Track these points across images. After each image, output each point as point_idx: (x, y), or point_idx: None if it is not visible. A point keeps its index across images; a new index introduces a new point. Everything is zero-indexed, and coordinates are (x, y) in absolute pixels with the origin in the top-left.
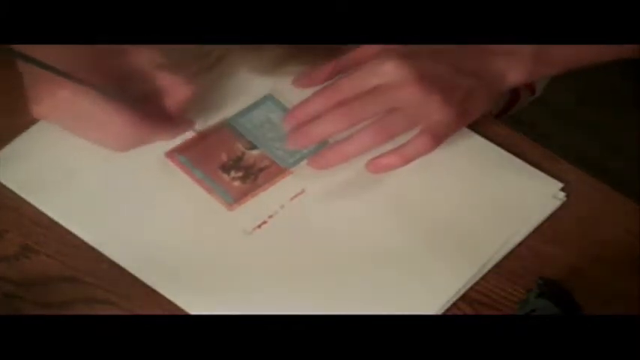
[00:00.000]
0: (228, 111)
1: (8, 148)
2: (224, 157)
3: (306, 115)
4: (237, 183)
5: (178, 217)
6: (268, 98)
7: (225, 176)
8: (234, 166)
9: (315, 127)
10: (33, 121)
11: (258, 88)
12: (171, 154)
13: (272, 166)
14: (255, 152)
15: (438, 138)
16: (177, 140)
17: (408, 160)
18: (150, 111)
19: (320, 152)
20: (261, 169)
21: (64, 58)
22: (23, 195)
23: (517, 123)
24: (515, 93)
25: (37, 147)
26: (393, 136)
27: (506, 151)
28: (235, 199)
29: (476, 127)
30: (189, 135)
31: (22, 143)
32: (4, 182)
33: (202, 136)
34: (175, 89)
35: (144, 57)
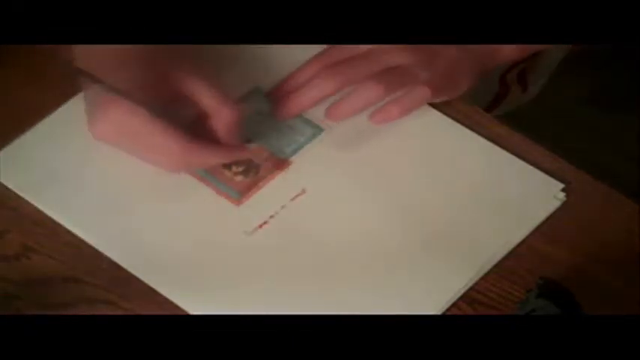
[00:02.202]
0: None
1: (9, 149)
2: None
3: (297, 84)
4: (239, 178)
5: (180, 217)
6: (255, 91)
7: (227, 172)
8: (234, 162)
9: (306, 91)
10: (34, 122)
11: (244, 82)
12: None
13: (271, 158)
14: (252, 145)
15: (436, 90)
16: None
17: (408, 110)
18: (200, 134)
19: (328, 109)
20: (261, 162)
21: (119, 79)
22: (23, 195)
23: (517, 123)
24: (504, 86)
25: (38, 147)
26: (394, 89)
27: (507, 151)
28: (241, 193)
29: (476, 127)
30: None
31: (23, 143)
32: (5, 182)
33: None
34: (221, 112)
35: (195, 80)
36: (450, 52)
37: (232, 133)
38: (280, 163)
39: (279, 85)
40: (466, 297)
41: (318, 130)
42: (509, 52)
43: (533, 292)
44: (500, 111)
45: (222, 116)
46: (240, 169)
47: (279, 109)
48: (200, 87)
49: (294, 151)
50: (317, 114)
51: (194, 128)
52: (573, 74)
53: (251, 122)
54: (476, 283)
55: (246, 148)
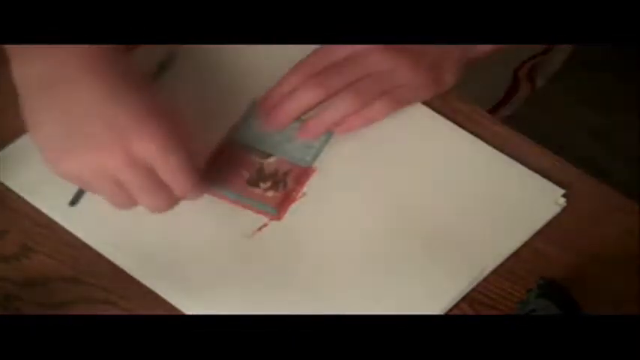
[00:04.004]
0: (222, 126)
1: (9, 149)
2: (245, 174)
3: (282, 95)
4: (271, 193)
5: (180, 219)
6: (257, 104)
7: (256, 190)
8: (260, 179)
9: (290, 102)
10: None
11: (242, 97)
12: None
13: (294, 168)
14: (272, 160)
15: (399, 103)
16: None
17: (369, 122)
18: None
19: (303, 123)
20: (285, 174)
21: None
22: (23, 195)
23: (517, 123)
24: (516, 82)
25: None
26: (368, 100)
27: (506, 151)
28: (277, 208)
29: (476, 128)
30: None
31: (23, 143)
32: (5, 182)
33: (214, 160)
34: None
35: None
36: (433, 48)
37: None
38: (305, 171)
39: (267, 95)
40: (466, 297)
41: (329, 133)
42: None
43: (533, 292)
44: (508, 110)
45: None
46: (269, 184)
47: (268, 120)
48: (158, 159)
49: (315, 158)
50: None
51: None
52: (573, 74)
53: (264, 136)
54: (476, 283)
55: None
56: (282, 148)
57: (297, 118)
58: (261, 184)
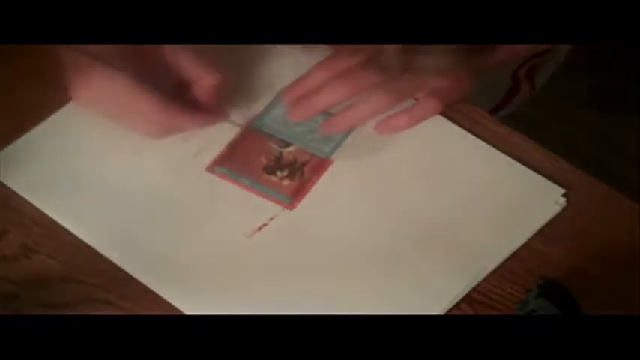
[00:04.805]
0: (246, 115)
1: (10, 148)
2: (264, 160)
3: (306, 89)
4: (286, 182)
5: (180, 219)
6: (281, 96)
7: (272, 178)
8: (277, 167)
9: (317, 98)
10: (34, 122)
11: (269, 87)
12: (210, 167)
13: (313, 158)
14: (291, 149)
15: (444, 101)
16: (212, 155)
17: (416, 122)
18: (181, 99)
19: (330, 118)
20: (303, 164)
21: (101, 47)
22: (23, 195)
23: (517, 123)
24: (516, 83)
25: (39, 148)
26: (402, 98)
27: (506, 151)
28: (292, 198)
29: (476, 128)
30: (223, 144)
31: (24, 144)
32: (5, 182)
33: (234, 145)
34: (203, 77)
35: (177, 49)
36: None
37: (213, 98)
38: (322, 163)
39: (291, 86)
40: (466, 297)
41: None
42: (506, 48)
43: (533, 292)
44: (509, 110)
45: (204, 82)
46: (285, 173)
47: (293, 111)
48: (182, 55)
49: (333, 150)
50: None
51: (175, 96)
52: (573, 75)
53: (285, 126)
54: (476, 284)
55: (226, 113)
56: (302, 139)
57: (323, 112)
58: (278, 173)
